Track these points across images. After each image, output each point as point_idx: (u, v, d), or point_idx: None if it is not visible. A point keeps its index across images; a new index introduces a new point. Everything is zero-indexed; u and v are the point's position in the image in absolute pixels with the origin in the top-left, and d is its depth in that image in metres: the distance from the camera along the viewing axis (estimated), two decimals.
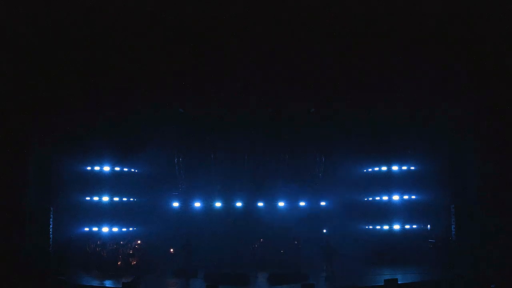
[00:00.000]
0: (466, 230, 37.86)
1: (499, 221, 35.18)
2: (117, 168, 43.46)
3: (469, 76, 33.53)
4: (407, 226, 43.28)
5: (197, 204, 44.47)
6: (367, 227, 44.63)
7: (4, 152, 35.28)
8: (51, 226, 37.83)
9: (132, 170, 44.30)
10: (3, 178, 35.05)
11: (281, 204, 44.46)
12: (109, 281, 35.67)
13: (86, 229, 42.08)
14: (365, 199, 44.95)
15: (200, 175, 44.22)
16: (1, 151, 35.14)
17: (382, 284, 31.80)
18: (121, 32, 29.75)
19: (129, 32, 29.85)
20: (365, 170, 44.98)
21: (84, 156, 41.99)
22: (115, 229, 42.63)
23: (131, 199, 44.14)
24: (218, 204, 44.26)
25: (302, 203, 44.65)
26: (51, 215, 37.91)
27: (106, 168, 43.06)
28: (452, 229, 38.66)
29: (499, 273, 32.18)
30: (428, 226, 42.54)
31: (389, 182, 43.47)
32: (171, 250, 38.81)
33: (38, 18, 28.78)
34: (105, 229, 42.24)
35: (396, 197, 43.36)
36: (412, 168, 43.38)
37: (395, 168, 43.74)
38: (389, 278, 32.25)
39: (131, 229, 43.51)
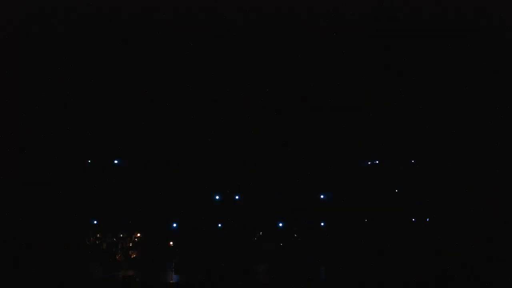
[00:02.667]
0: None
1: None
2: (116, 161, 43.38)
3: None
4: None
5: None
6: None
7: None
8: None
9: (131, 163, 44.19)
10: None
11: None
12: (109, 273, 35.80)
13: (86, 221, 42.08)
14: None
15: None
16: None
17: None
18: None
19: None
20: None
21: (85, 148, 41.94)
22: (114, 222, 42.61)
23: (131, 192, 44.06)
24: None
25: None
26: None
27: (106, 161, 42.98)
28: None
29: None
30: None
31: None
32: (170, 243, 38.95)
33: None
34: (105, 222, 42.23)
35: None
36: None
37: None
38: None
39: (130, 222, 43.54)
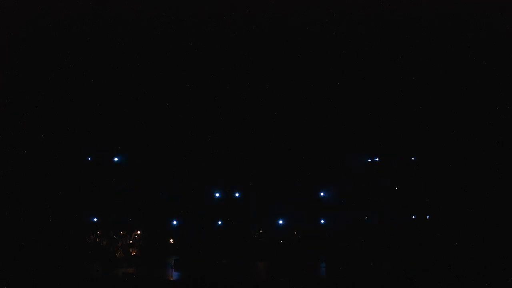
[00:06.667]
0: None
1: None
2: (116, 159, 43.48)
3: None
4: None
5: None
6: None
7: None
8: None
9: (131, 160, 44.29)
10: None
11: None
12: (109, 271, 36.01)
13: (86, 219, 42.22)
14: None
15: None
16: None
17: None
18: None
19: None
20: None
21: (86, 144, 42.08)
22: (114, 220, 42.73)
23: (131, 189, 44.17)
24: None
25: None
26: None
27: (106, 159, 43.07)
28: None
29: None
30: None
31: None
32: (171, 240, 39.14)
33: None
34: (105, 220, 42.37)
35: None
36: None
37: None
38: None
39: (130, 219, 43.66)
